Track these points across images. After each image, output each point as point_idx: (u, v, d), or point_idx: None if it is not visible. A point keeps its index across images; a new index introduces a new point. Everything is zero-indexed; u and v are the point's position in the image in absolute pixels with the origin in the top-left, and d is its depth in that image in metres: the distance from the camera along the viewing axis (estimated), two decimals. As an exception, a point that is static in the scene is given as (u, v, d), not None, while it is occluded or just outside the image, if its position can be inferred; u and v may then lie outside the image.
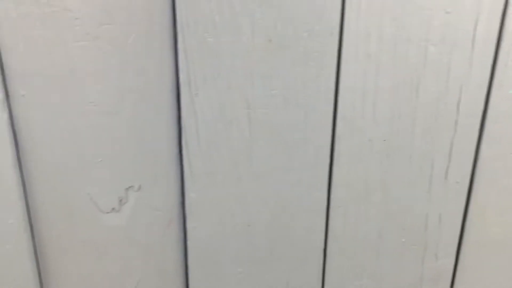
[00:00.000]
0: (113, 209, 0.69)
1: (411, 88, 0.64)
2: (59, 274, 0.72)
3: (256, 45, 0.61)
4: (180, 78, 0.62)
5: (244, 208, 0.70)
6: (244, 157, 0.67)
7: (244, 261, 0.74)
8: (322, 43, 0.61)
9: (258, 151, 0.67)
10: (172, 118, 0.65)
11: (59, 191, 0.67)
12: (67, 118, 0.63)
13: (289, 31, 0.60)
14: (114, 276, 0.73)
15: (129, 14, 0.58)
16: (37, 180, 0.66)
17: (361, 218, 0.72)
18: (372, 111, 0.65)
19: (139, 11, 0.59)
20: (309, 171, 0.68)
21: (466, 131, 0.68)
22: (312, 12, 0.60)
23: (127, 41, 0.60)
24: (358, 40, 0.61)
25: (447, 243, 0.75)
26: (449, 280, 0.77)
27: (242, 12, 0.59)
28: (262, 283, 0.75)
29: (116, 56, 0.60)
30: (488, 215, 0.73)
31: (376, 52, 0.62)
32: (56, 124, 0.63)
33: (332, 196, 0.71)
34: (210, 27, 0.59)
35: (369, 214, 0.72)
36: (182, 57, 0.61)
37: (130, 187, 0.68)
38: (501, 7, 0.61)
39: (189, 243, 0.72)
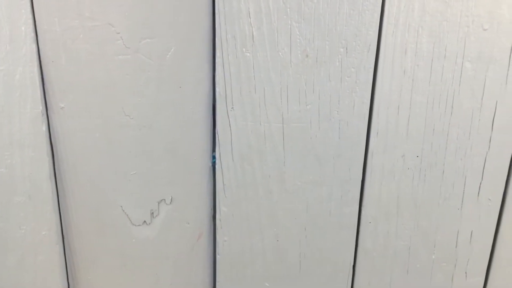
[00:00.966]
0: (144, 221, 0.69)
1: (446, 104, 0.64)
2: (89, 286, 0.71)
3: (292, 60, 0.61)
4: (217, 92, 0.62)
5: (274, 222, 0.70)
6: (277, 172, 0.67)
7: (272, 276, 0.74)
8: (359, 58, 0.61)
9: (290, 165, 0.67)
10: (206, 131, 0.65)
11: (92, 203, 0.67)
12: (104, 130, 0.63)
13: (326, 46, 0.61)
14: (143, 289, 0.73)
15: (170, 29, 0.59)
16: (71, 192, 0.66)
17: (391, 234, 0.72)
18: (406, 127, 0.65)
19: (179, 26, 0.59)
20: (341, 186, 0.68)
21: (499, 149, 0.67)
22: (349, 27, 0.60)
23: (166, 55, 0.60)
24: (395, 56, 0.62)
25: (477, 261, 0.74)
26: (479, 298, 0.77)
27: (279, 28, 0.60)
28: (291, 298, 0.75)
29: (155, 69, 0.61)
30: (520, 234, 0.73)
31: (412, 68, 0.62)
32: (92, 137, 0.63)
33: (363, 212, 0.70)
34: (248, 42, 0.60)
35: (400, 230, 0.72)
36: (220, 71, 0.61)
37: (162, 200, 0.68)
38: (537, 24, 0.61)
39: (218, 257, 0.72)
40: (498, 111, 0.65)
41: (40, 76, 0.59)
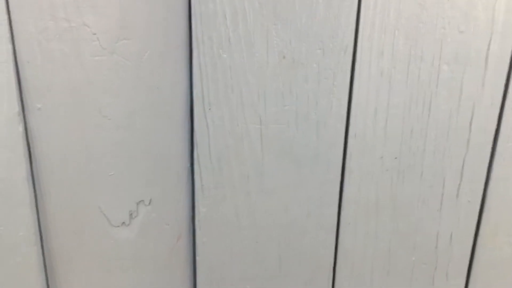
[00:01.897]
0: (123, 223, 0.69)
1: (423, 106, 0.65)
2: (68, 287, 0.71)
3: (269, 62, 0.61)
4: (194, 93, 0.62)
5: (253, 223, 0.70)
6: (255, 173, 0.67)
7: (252, 278, 0.74)
8: (336, 60, 0.62)
9: (269, 166, 0.67)
10: (184, 132, 0.65)
11: (70, 204, 0.67)
12: (81, 131, 0.63)
13: (303, 48, 0.61)
14: (123, 290, 0.73)
15: (146, 30, 0.59)
16: (48, 193, 0.66)
17: (371, 236, 0.72)
18: (383, 129, 0.66)
19: (155, 27, 0.59)
20: (320, 188, 0.68)
21: (478, 150, 0.68)
22: (326, 29, 0.60)
23: (142, 56, 0.60)
24: (371, 58, 0.62)
25: (458, 263, 0.75)
26: (459, 300, 0.77)
27: (256, 29, 0.60)
28: (271, 300, 0.75)
29: (132, 70, 0.61)
30: (500, 235, 0.73)
31: (389, 70, 0.62)
32: (70, 137, 0.63)
33: (342, 213, 0.70)
34: (225, 43, 0.60)
35: (379, 232, 0.72)
36: (197, 72, 0.61)
37: (141, 201, 0.68)
38: (514, 27, 0.61)
39: (198, 258, 0.72)
40: (475, 113, 0.65)
41: (16, 77, 0.59)
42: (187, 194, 0.69)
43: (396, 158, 0.67)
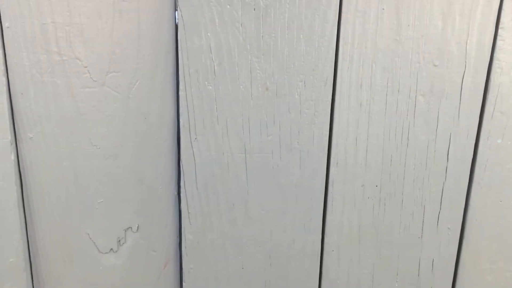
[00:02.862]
0: (111, 249, 0.70)
1: (402, 136, 0.67)
2: (55, 314, 0.72)
3: (253, 93, 0.64)
4: (181, 123, 0.65)
5: (239, 250, 0.72)
6: (240, 200, 0.69)
7: (239, 304, 0.75)
8: (317, 92, 0.64)
9: (253, 194, 0.69)
10: (171, 161, 0.68)
11: (59, 231, 0.69)
12: (71, 160, 0.65)
13: (285, 80, 0.64)
14: (110, 317, 0.74)
15: (135, 64, 0.62)
16: (39, 220, 0.68)
17: (354, 262, 0.74)
18: (364, 158, 0.68)
19: (144, 61, 0.62)
20: (303, 215, 0.70)
21: (456, 178, 0.70)
22: (307, 62, 0.63)
23: (131, 88, 0.63)
24: (351, 90, 0.65)
25: (440, 289, 0.76)
26: (443, 326, 0.78)
27: (240, 62, 0.63)
28: (257, 326, 0.76)
29: (121, 102, 0.63)
30: (480, 262, 0.75)
31: (368, 101, 0.65)
32: (60, 166, 0.65)
33: (326, 240, 0.72)
34: (210, 76, 0.63)
35: (362, 259, 0.73)
36: (183, 103, 0.64)
37: (129, 228, 0.70)
38: (487, 60, 0.64)
39: (184, 284, 0.73)
40: (452, 142, 0.68)
41: (9, 107, 0.62)
42: (174, 221, 0.71)
43: (377, 186, 0.70)
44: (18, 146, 0.64)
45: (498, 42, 0.64)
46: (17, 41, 0.60)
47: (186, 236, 0.70)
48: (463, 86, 0.65)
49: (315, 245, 0.72)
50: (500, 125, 0.67)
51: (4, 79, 0.60)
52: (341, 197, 0.70)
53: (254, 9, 0.61)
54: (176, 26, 0.61)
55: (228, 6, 0.61)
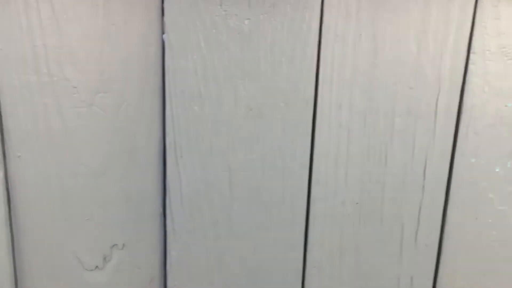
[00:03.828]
0: (96, 266, 0.71)
1: (380, 155, 0.70)
2: (40, 331, 0.73)
3: (237, 113, 0.67)
4: (167, 142, 0.67)
5: (222, 267, 0.73)
6: (224, 217, 0.71)
7: (223, 321, 0.76)
8: (298, 112, 0.67)
9: (237, 211, 0.71)
10: (157, 178, 0.69)
11: (45, 248, 0.69)
12: (59, 178, 0.66)
13: (268, 101, 0.66)
14: (94, 334, 0.74)
15: (123, 84, 0.64)
16: (25, 237, 0.69)
17: (335, 279, 0.75)
18: (344, 176, 0.70)
19: (132, 81, 0.64)
20: (286, 232, 0.72)
21: (433, 196, 0.72)
22: (289, 84, 0.66)
23: (119, 108, 0.65)
24: (331, 110, 0.67)
25: (419, 305, 0.78)
26: None
27: (225, 84, 0.65)
28: None
29: (108, 121, 0.65)
30: (458, 279, 0.77)
31: (347, 121, 0.68)
32: (47, 184, 0.67)
33: (308, 256, 0.74)
34: (196, 96, 0.65)
35: (343, 275, 0.75)
36: (169, 123, 0.66)
37: (114, 245, 0.71)
38: (460, 83, 0.67)
39: (169, 301, 0.74)
40: (428, 161, 0.71)
41: (-1, 126, 0.63)
42: (159, 238, 0.72)
43: (357, 203, 0.72)
44: (6, 164, 0.65)
45: (470, 66, 0.67)
46: (7, 62, 0.61)
47: (171, 253, 0.71)
48: (437, 108, 0.68)
49: (298, 261, 0.74)
50: (474, 145, 0.70)
51: (-6, 99, 0.62)
52: (322, 214, 0.72)
53: (239, 33, 0.64)
54: (163, 49, 0.64)
55: (214, 31, 0.63)
